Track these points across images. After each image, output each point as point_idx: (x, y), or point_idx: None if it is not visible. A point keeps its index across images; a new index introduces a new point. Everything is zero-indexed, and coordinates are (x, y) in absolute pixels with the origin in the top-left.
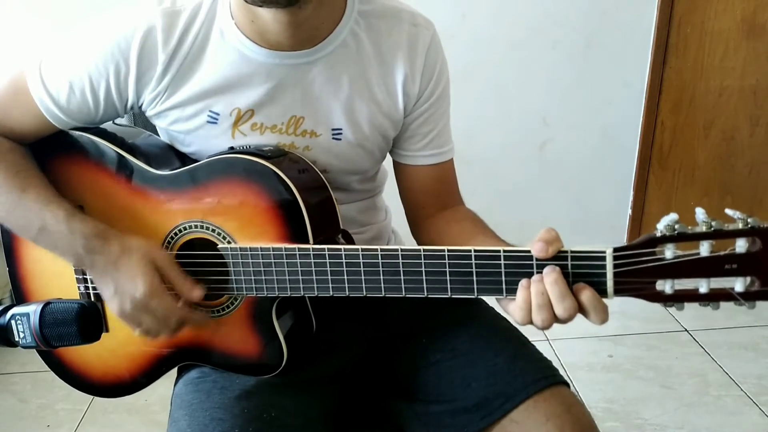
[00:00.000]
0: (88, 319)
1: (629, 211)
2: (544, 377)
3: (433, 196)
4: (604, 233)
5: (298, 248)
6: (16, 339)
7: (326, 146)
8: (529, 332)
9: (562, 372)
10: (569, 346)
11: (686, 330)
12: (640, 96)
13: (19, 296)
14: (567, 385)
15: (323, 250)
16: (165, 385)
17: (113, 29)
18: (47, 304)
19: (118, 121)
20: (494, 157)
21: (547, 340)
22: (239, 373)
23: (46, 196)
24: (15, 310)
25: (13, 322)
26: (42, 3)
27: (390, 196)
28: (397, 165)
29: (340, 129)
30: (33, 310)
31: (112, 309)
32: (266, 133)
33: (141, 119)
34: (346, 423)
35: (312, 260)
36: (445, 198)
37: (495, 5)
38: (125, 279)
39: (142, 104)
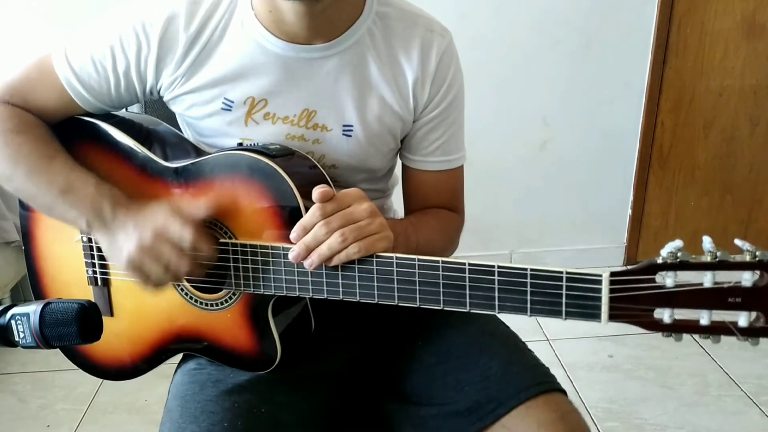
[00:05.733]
0: (88, 319)
1: (629, 211)
2: (538, 383)
3: (432, 200)
4: (604, 233)
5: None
6: (16, 339)
7: (336, 142)
8: (529, 331)
9: (561, 372)
10: (569, 346)
11: None
12: (640, 96)
13: (33, 279)
14: (564, 392)
15: None
16: (165, 384)
17: (138, 12)
18: (47, 304)
19: (130, 108)
20: (494, 157)
21: (547, 340)
22: (234, 366)
23: (73, 163)
24: (15, 310)
25: (13, 322)
26: (43, 3)
27: (397, 200)
28: (404, 168)
29: (351, 126)
30: (33, 310)
31: (129, 250)
32: (278, 124)
33: (154, 114)
34: (338, 423)
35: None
36: (443, 203)
37: (495, 5)
38: (144, 215)
39: (160, 88)
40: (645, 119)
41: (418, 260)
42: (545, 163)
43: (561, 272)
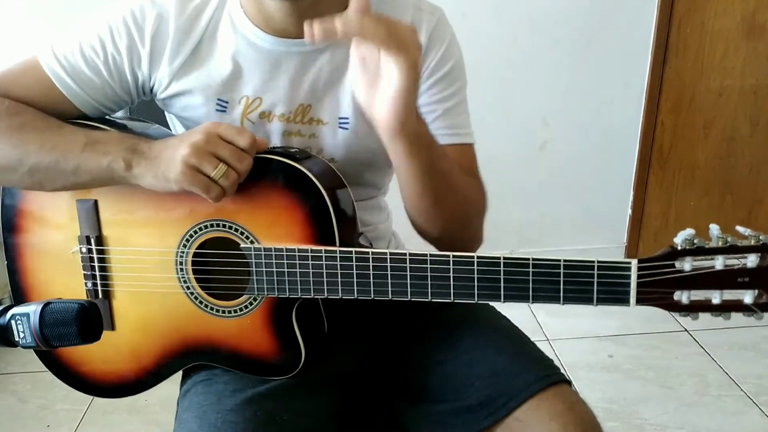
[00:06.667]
0: (88, 319)
1: (629, 211)
2: (546, 375)
3: None
4: (604, 233)
5: (325, 250)
6: (16, 339)
7: (332, 135)
8: (529, 331)
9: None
10: (569, 346)
11: (686, 330)
12: (640, 96)
13: (18, 295)
14: (569, 383)
15: (350, 252)
16: (165, 385)
17: (127, 6)
18: (47, 304)
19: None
20: (494, 157)
21: (547, 340)
22: (254, 374)
23: (85, 124)
24: (15, 310)
25: (13, 322)
26: (41, 4)
27: (390, 197)
28: None
29: (347, 118)
30: (33, 310)
31: (182, 155)
32: (274, 121)
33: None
34: (354, 424)
35: (338, 263)
36: None
37: (495, 5)
38: (186, 133)
39: (153, 85)
40: (645, 119)
41: (453, 256)
42: (545, 163)
43: (593, 262)
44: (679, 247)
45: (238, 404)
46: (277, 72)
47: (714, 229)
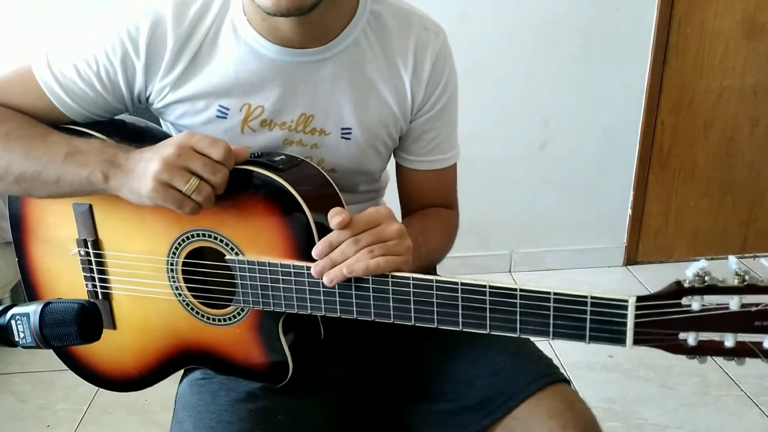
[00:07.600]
0: (88, 320)
1: (629, 211)
2: (545, 375)
3: (429, 199)
4: (604, 233)
5: (307, 267)
6: (16, 339)
7: (335, 145)
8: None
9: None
10: (569, 346)
11: None
12: (640, 96)
13: (29, 291)
14: (568, 382)
15: None
16: (166, 384)
17: (123, 16)
18: (47, 304)
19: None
20: (494, 157)
21: (548, 340)
22: (245, 379)
23: (70, 135)
24: (15, 310)
25: (13, 322)
26: (43, 2)
27: (389, 198)
28: (399, 167)
29: (350, 128)
30: (33, 310)
31: (153, 170)
32: (275, 130)
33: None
34: (352, 424)
35: (321, 280)
36: (439, 201)
37: (495, 5)
38: (161, 144)
39: (149, 95)
40: (645, 119)
41: (436, 281)
42: (545, 163)
43: (585, 297)
44: (687, 284)
45: (232, 403)
46: (280, 81)
47: (732, 262)
